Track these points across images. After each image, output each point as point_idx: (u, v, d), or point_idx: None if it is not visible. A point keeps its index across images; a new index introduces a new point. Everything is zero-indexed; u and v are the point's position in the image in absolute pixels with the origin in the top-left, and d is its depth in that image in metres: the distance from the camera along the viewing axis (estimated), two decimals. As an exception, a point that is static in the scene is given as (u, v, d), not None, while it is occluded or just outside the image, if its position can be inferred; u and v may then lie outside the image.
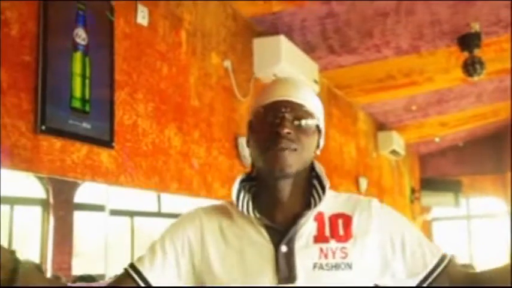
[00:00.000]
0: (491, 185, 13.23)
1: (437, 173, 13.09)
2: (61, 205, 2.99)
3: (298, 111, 1.54)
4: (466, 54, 5.78)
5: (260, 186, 1.62)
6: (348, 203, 1.62)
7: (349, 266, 1.50)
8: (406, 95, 8.00)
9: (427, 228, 13.36)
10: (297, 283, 1.48)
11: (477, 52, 5.72)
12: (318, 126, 1.59)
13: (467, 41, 5.67)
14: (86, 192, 3.13)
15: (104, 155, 3.02)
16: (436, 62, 6.54)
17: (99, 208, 3.20)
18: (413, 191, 11.73)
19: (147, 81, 3.43)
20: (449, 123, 10.38)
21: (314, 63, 5.46)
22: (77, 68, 2.87)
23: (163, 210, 4.12)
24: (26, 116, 2.59)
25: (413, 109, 8.72)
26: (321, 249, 1.51)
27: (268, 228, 1.54)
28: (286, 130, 1.50)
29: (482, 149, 12.97)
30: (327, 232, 1.54)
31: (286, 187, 1.56)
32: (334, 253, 1.51)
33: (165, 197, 3.83)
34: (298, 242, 1.52)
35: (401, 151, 9.77)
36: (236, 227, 1.59)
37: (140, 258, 1.63)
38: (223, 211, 1.64)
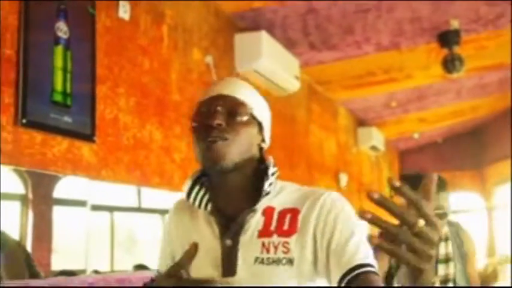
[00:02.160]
0: (470, 180, 13.33)
1: (416, 169, 13.14)
2: (40, 200, 2.98)
3: (231, 103, 1.54)
4: (445, 51, 5.83)
5: (210, 181, 1.61)
6: (303, 198, 1.55)
7: (291, 261, 1.47)
8: (386, 91, 8.06)
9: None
10: (237, 277, 1.48)
11: (456, 49, 5.77)
12: (255, 118, 1.57)
13: (447, 38, 5.71)
14: (66, 187, 3.12)
15: (85, 149, 3.02)
16: (416, 59, 6.59)
17: (80, 203, 3.19)
18: (392, 186, 11.76)
19: (128, 76, 3.43)
20: (429, 119, 10.46)
21: (295, 59, 5.48)
22: (59, 61, 2.86)
23: (144, 205, 4.12)
24: (6, 109, 2.59)
25: (393, 105, 8.77)
26: (263, 244, 1.50)
27: (220, 222, 1.56)
28: (216, 121, 1.49)
29: (460, 145, 13.06)
30: (273, 227, 1.52)
31: (230, 181, 1.55)
32: (276, 248, 1.49)
33: (146, 192, 3.82)
34: (243, 236, 1.52)
35: (381, 147, 9.84)
36: (194, 221, 1.63)
37: (160, 264, 1.77)
38: (188, 207, 1.65)
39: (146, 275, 3.51)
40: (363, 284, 1.40)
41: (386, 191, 11.46)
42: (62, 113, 2.84)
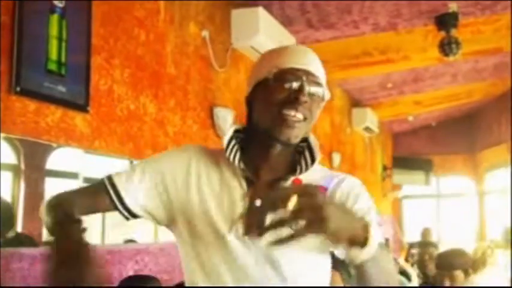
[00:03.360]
0: (462, 165, 13.36)
1: (410, 151, 13.19)
2: (33, 171, 2.97)
3: (314, 81, 1.57)
4: (442, 33, 5.81)
5: (252, 141, 1.66)
6: (328, 177, 1.65)
7: None
8: (382, 72, 8.04)
9: (397, 206, 13.51)
10: (264, 238, 1.48)
11: (454, 32, 5.74)
12: (323, 100, 1.63)
13: (445, 21, 5.69)
14: (59, 158, 3.11)
15: (78, 119, 3.02)
16: (413, 41, 6.57)
17: (72, 175, 3.19)
18: (385, 168, 11.81)
19: (124, 47, 3.42)
20: (424, 102, 10.45)
21: (292, 36, 5.46)
22: (54, 30, 2.85)
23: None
24: (0, 76, 2.57)
25: (389, 87, 8.76)
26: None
27: (249, 181, 1.59)
28: (305, 98, 1.54)
29: (454, 129, 13.07)
30: None
31: (277, 150, 1.61)
32: None
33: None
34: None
35: (375, 128, 9.83)
36: (220, 173, 1.63)
37: (119, 174, 1.66)
38: (212, 155, 1.67)
39: (136, 248, 3.55)
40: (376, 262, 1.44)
41: (379, 172, 11.51)
42: (56, 82, 2.83)
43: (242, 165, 1.60)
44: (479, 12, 5.82)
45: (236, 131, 1.67)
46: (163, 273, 3.59)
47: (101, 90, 3.20)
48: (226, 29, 4.70)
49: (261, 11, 4.75)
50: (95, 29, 3.15)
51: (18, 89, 2.62)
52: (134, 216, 1.66)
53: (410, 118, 11.66)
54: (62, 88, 2.86)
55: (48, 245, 1.66)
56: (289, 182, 1.60)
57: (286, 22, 5.35)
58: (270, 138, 1.60)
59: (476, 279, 4.39)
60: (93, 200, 1.65)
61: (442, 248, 5.90)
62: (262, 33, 4.71)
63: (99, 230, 3.58)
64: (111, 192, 1.62)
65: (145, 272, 3.42)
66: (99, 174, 3.52)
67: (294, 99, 1.54)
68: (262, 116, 1.60)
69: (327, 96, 1.63)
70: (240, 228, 1.56)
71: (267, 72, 1.58)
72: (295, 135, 1.57)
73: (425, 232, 10.18)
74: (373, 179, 10.80)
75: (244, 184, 1.59)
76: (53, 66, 2.82)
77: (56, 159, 3.07)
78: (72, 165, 3.18)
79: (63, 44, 2.89)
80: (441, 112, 11.94)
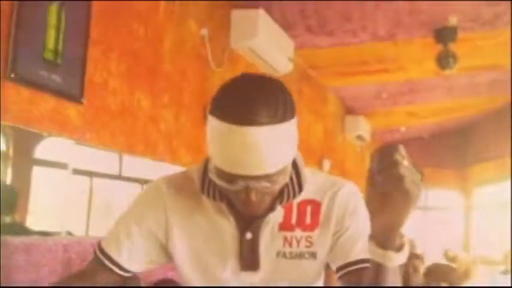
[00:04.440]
0: (452, 179, 13.40)
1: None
2: (21, 158, 2.95)
3: (265, 182, 1.31)
4: (440, 46, 5.83)
5: None
6: (321, 188, 1.52)
7: (314, 255, 1.47)
8: (377, 82, 8.05)
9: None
10: (260, 271, 1.46)
11: (452, 46, 5.76)
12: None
13: (443, 34, 5.71)
14: (48, 148, 3.08)
15: (71, 110, 2.99)
16: (411, 52, 6.58)
17: (61, 166, 3.16)
18: (374, 177, 11.78)
19: (121, 41, 3.40)
20: (417, 114, 10.46)
21: (290, 40, 5.45)
22: (53, 19, 2.82)
23: (124, 174, 4.10)
24: (-4, 62, 2.55)
25: (384, 96, 8.77)
26: (285, 238, 1.47)
27: (235, 213, 1.46)
28: (253, 206, 1.35)
29: (446, 142, 13.11)
30: (293, 220, 1.48)
31: None
32: (298, 242, 1.47)
33: (128, 160, 3.80)
34: (263, 230, 1.46)
35: (367, 137, 9.84)
36: (202, 208, 1.50)
37: (108, 244, 1.55)
38: (189, 186, 1.51)
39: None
40: (361, 278, 1.40)
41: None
42: (51, 71, 2.81)
43: (225, 201, 1.44)
44: (479, 27, 5.82)
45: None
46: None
47: (96, 82, 3.18)
48: (225, 28, 4.69)
49: (261, 12, 4.74)
50: (93, 21, 3.13)
51: (12, 75, 2.59)
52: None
53: (403, 129, 11.66)
54: (56, 78, 2.83)
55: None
56: (278, 211, 1.46)
57: (286, 26, 5.34)
58: None
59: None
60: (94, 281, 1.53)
61: (428, 261, 5.91)
62: (260, 35, 4.70)
63: (84, 220, 3.59)
64: (111, 266, 1.52)
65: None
66: (88, 166, 3.57)
67: (242, 200, 1.34)
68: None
69: (295, 152, 1.38)
70: (233, 264, 1.47)
71: (210, 155, 1.36)
72: (260, 210, 1.40)
73: (410, 245, 10.20)
74: (362, 188, 10.75)
75: (231, 219, 1.46)
76: (49, 55, 2.79)
77: (46, 149, 3.05)
78: (62, 155, 3.15)
79: (61, 34, 2.86)
80: (434, 125, 11.96)
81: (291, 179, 1.45)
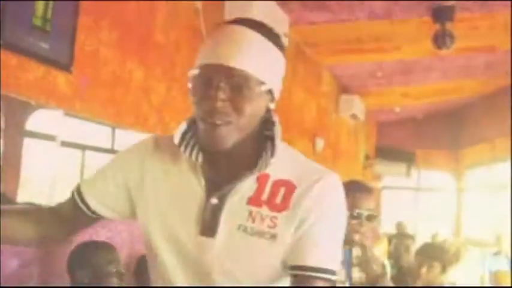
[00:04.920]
0: (444, 160, 13.41)
1: (393, 142, 13.18)
2: (12, 130, 2.90)
3: (237, 79, 1.34)
4: (437, 26, 5.77)
5: None
6: (301, 172, 1.46)
7: (274, 236, 1.40)
8: (373, 60, 7.98)
9: (376, 196, 13.51)
10: (216, 238, 1.42)
11: (449, 25, 5.70)
12: (264, 84, 1.39)
13: (441, 13, 5.64)
14: (39, 120, 3.03)
15: (60, 78, 2.94)
16: (407, 31, 6.51)
17: (50, 138, 3.11)
18: (367, 157, 11.81)
19: (113, 9, 3.33)
20: (412, 95, 10.43)
21: (285, 15, 5.38)
22: (42, -15, 2.76)
23: (117, 147, 4.05)
24: (-17, 27, 2.49)
25: (379, 75, 8.71)
26: (251, 212, 1.42)
27: (208, 176, 1.46)
28: (219, 104, 1.34)
29: (439, 124, 13.10)
30: (264, 197, 1.43)
31: (229, 151, 1.43)
32: (263, 219, 1.41)
33: (120, 133, 3.76)
34: (231, 198, 1.43)
35: (361, 116, 9.80)
36: (178, 168, 1.51)
37: (84, 182, 1.63)
38: (169, 146, 1.52)
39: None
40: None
41: (361, 161, 11.51)
42: (40, 38, 2.75)
43: (200, 159, 1.45)
44: (477, 7, 5.76)
45: (194, 121, 1.47)
46: (136, 243, 3.53)
47: (87, 51, 3.12)
48: (219, 1, 4.61)
49: (256, -14, 4.67)
50: (85, -12, 3.07)
51: (1, 42, 2.53)
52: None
53: (397, 109, 11.64)
54: (45, 45, 2.77)
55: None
56: (251, 179, 1.44)
57: (281, 0, 5.27)
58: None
59: (450, 273, 4.43)
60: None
61: (419, 241, 5.92)
62: (255, 9, 4.63)
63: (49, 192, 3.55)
64: (81, 204, 1.60)
65: (117, 240, 3.36)
66: (79, 139, 3.52)
67: (208, 105, 1.35)
68: (198, 129, 1.44)
69: (270, 79, 1.40)
70: (193, 227, 1.45)
71: (190, 73, 1.41)
72: (221, 141, 1.37)
73: (399, 225, 10.28)
74: (354, 167, 10.79)
75: (202, 181, 1.46)
76: (38, 22, 2.73)
77: (36, 120, 3.00)
78: (51, 127, 3.10)
79: (50, 1, 2.80)
80: (428, 106, 11.93)
81: (266, 149, 1.44)
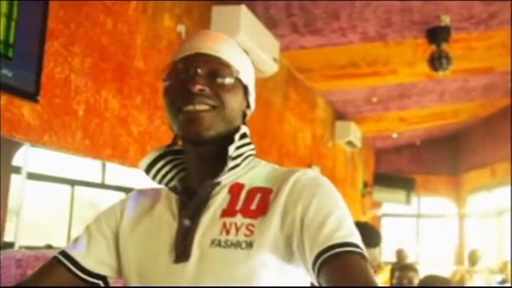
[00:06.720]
0: (444, 186, 13.31)
1: (392, 169, 13.05)
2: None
3: (213, 65, 1.34)
4: (433, 47, 5.61)
5: (186, 159, 1.43)
6: (278, 177, 1.36)
7: (251, 244, 1.26)
8: (368, 85, 7.83)
9: (376, 224, 13.35)
10: (190, 261, 1.28)
11: (445, 47, 5.54)
12: (240, 81, 1.37)
13: (436, 34, 5.50)
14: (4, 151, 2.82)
15: (26, 109, 2.70)
16: (402, 54, 6.36)
17: (15, 170, 2.87)
18: (365, 185, 11.65)
19: (86, 34, 3.11)
20: (409, 120, 10.30)
21: (275, 40, 5.18)
22: (3, 7, 2.54)
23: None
24: None
25: (374, 101, 8.57)
26: (224, 224, 1.30)
27: (181, 200, 1.37)
28: (198, 87, 1.29)
29: (438, 149, 13.05)
30: (238, 206, 1.32)
31: (207, 153, 1.36)
32: (238, 229, 1.28)
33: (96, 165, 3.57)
34: (204, 215, 1.32)
35: (358, 143, 9.65)
36: (155, 207, 1.43)
37: (68, 245, 1.48)
38: (152, 195, 1.48)
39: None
40: (341, 266, 1.17)
41: (359, 188, 11.31)
42: (1, 64, 2.52)
43: (172, 183, 1.40)
44: (473, 27, 5.60)
45: (168, 154, 1.45)
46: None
47: (56, 79, 2.89)
48: (205, 25, 4.41)
49: (243, 9, 4.48)
50: (53, 11, 2.84)
51: (-44, 69, 2.31)
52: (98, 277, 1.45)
53: (395, 135, 11.54)
54: (7, 72, 2.54)
55: None
56: (222, 193, 1.35)
57: (270, 24, 5.09)
58: (184, 142, 1.39)
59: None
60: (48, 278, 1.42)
61: (421, 270, 5.73)
62: (243, 33, 4.44)
63: (65, 231, 3.40)
64: (65, 261, 1.42)
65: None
66: (46, 169, 3.29)
67: (187, 92, 1.29)
68: (171, 125, 1.38)
69: (244, 76, 1.39)
70: (166, 257, 1.32)
71: (164, 72, 1.39)
72: (205, 127, 1.30)
73: (400, 253, 10.03)
74: (353, 195, 10.61)
75: (175, 206, 1.38)
76: (-2, 48, 2.51)
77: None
78: (17, 158, 2.87)
79: (13, 24, 2.58)
80: (426, 131, 11.83)
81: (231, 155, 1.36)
